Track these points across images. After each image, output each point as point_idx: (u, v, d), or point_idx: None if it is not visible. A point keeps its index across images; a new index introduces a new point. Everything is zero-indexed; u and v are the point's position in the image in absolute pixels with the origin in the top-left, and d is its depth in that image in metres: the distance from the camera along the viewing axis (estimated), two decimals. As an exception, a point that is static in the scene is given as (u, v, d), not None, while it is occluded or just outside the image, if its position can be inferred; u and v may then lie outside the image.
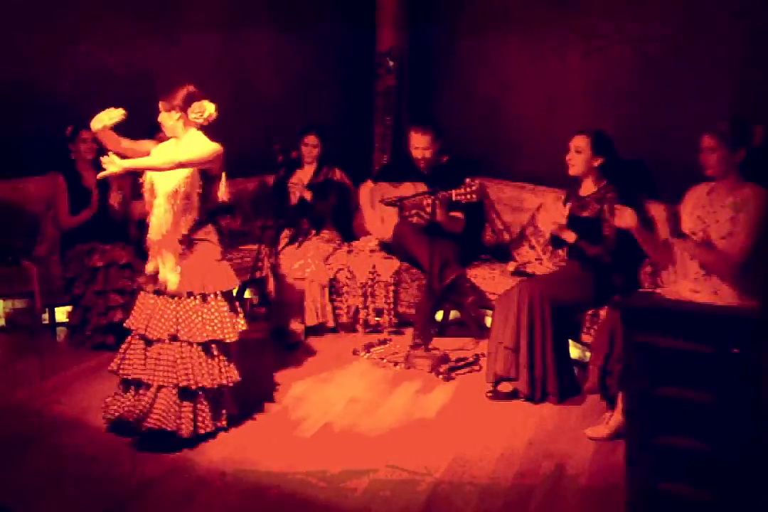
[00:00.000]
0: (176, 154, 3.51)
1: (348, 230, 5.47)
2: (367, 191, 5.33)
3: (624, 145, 4.41)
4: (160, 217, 3.56)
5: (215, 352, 3.61)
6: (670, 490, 2.59)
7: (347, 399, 4.12)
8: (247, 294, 5.40)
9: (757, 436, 2.44)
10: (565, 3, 5.09)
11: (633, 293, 4.00)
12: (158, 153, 3.63)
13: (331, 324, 5.02)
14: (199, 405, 3.59)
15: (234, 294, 3.85)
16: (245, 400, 4.04)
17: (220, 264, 3.70)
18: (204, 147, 3.56)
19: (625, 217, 3.64)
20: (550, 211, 4.75)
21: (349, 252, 5.22)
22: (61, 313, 4.92)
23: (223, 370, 3.63)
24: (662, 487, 2.60)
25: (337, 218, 5.42)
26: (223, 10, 5.69)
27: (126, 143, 3.66)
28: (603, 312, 4.08)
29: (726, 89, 4.32)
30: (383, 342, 4.85)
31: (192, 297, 3.58)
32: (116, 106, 3.62)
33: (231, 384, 3.66)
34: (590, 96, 5.03)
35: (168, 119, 3.63)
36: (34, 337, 4.71)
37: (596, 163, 4.27)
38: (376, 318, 5.04)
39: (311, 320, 4.94)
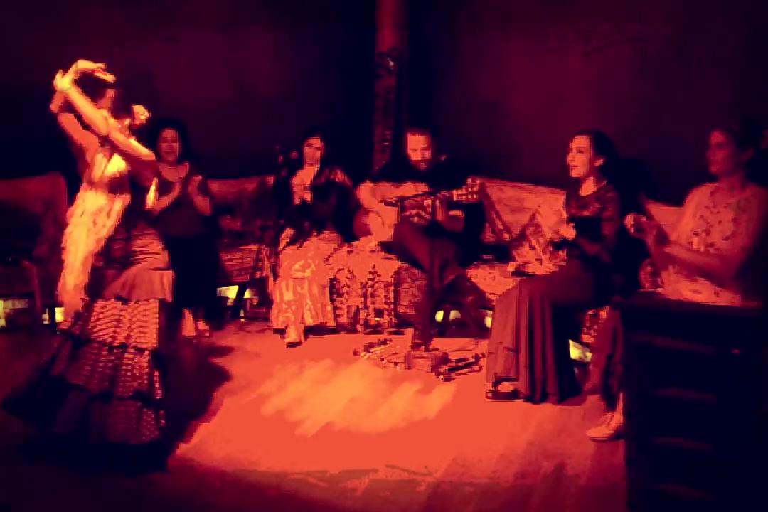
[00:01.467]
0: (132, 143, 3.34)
1: (348, 231, 5.47)
2: (366, 190, 5.33)
3: (624, 145, 4.41)
4: (81, 232, 3.40)
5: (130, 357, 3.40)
6: (671, 491, 2.59)
7: (347, 400, 4.12)
8: (247, 295, 5.41)
9: (757, 437, 2.44)
10: (565, 3, 5.09)
11: (634, 293, 4.00)
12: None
13: (331, 324, 5.02)
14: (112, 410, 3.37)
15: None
16: (244, 400, 4.06)
17: (155, 273, 3.47)
18: (151, 154, 3.42)
19: (646, 226, 3.58)
20: (550, 211, 4.75)
21: (350, 252, 5.22)
22: (61, 313, 4.91)
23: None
24: (662, 488, 2.60)
25: (338, 219, 5.43)
26: (223, 10, 5.70)
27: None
28: (603, 313, 4.08)
29: (726, 89, 4.32)
30: (383, 342, 4.85)
31: (119, 302, 3.42)
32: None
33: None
34: (590, 96, 5.03)
35: (117, 126, 3.40)
36: (34, 337, 4.71)
37: (597, 163, 4.28)
38: (377, 319, 5.04)
39: (311, 320, 4.95)
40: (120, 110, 3.47)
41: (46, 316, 4.87)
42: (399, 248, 5.04)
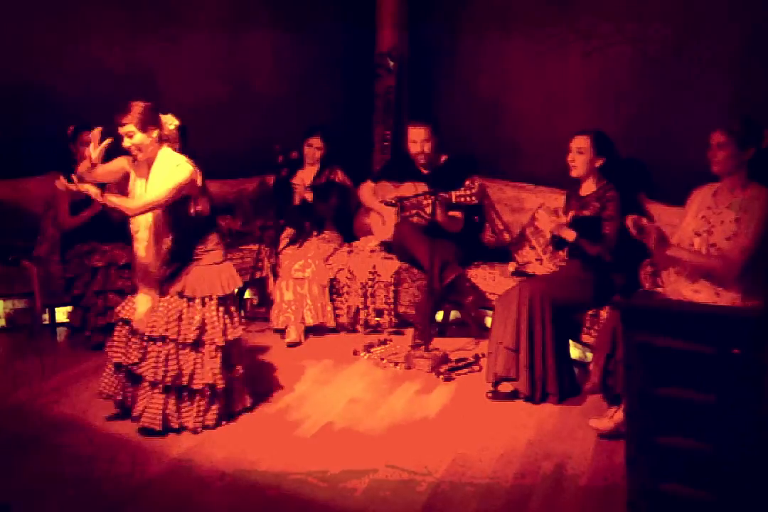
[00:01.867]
0: (150, 195, 3.54)
1: (349, 231, 5.47)
2: (368, 190, 5.33)
3: (624, 145, 4.41)
4: (142, 249, 3.67)
5: (204, 352, 3.68)
6: (670, 490, 2.59)
7: (347, 400, 4.12)
8: (247, 295, 5.41)
9: (757, 437, 2.44)
10: (565, 3, 5.09)
11: (634, 293, 4.00)
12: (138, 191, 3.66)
13: (331, 324, 5.02)
14: (181, 402, 3.68)
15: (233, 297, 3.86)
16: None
17: (219, 267, 3.71)
18: (178, 175, 3.54)
19: (647, 228, 3.59)
20: (547, 216, 4.75)
21: (350, 252, 5.22)
22: (61, 313, 4.92)
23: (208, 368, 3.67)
24: (662, 487, 2.60)
25: (338, 219, 5.43)
26: (223, 10, 5.70)
27: (100, 169, 3.65)
28: (604, 313, 4.08)
29: (726, 89, 4.32)
30: (383, 342, 4.86)
31: (183, 299, 3.64)
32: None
33: (217, 384, 3.69)
34: (590, 96, 5.03)
35: (146, 139, 3.55)
36: (34, 337, 4.71)
37: (598, 164, 4.28)
38: (377, 319, 5.04)
39: (311, 320, 4.95)
40: (148, 124, 3.52)
41: (46, 316, 4.88)
42: (399, 248, 5.04)
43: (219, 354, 3.68)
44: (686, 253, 3.58)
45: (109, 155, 3.68)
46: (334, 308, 5.05)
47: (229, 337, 3.71)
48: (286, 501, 3.19)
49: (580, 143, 4.26)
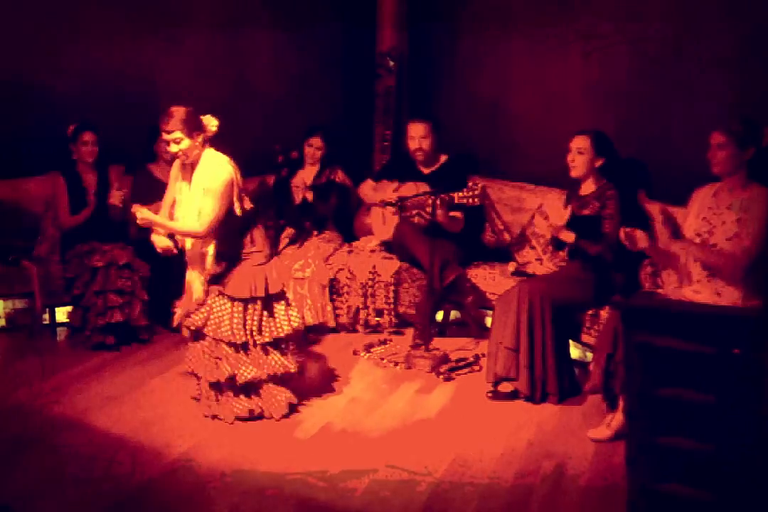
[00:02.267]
0: (201, 220, 3.60)
1: (349, 231, 5.47)
2: (368, 189, 5.33)
3: (624, 145, 4.41)
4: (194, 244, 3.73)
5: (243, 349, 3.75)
6: (671, 491, 2.59)
7: (347, 400, 4.12)
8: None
9: (757, 437, 2.44)
10: (565, 3, 5.09)
11: (634, 293, 4.00)
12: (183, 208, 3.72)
13: (331, 324, 5.02)
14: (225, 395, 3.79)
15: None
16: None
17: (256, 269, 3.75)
18: (219, 180, 3.59)
19: (639, 240, 3.61)
20: (550, 210, 4.76)
21: (350, 252, 5.22)
22: (61, 313, 4.92)
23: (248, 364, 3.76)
24: (662, 488, 2.60)
25: (339, 219, 5.43)
26: (223, 10, 5.70)
27: (169, 200, 3.78)
28: (604, 313, 4.08)
29: (726, 89, 4.32)
30: (383, 342, 4.85)
31: (224, 297, 3.72)
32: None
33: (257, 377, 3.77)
34: (590, 96, 5.03)
35: (193, 144, 3.60)
36: (34, 337, 4.71)
37: (598, 164, 4.28)
38: (377, 319, 5.04)
39: (311, 320, 4.94)
40: (193, 129, 3.59)
41: (46, 316, 4.87)
42: (399, 248, 5.04)
43: (269, 349, 3.77)
44: (696, 248, 3.58)
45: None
46: (334, 308, 5.05)
47: (267, 337, 3.73)
48: (286, 501, 3.19)
49: (580, 143, 4.26)
